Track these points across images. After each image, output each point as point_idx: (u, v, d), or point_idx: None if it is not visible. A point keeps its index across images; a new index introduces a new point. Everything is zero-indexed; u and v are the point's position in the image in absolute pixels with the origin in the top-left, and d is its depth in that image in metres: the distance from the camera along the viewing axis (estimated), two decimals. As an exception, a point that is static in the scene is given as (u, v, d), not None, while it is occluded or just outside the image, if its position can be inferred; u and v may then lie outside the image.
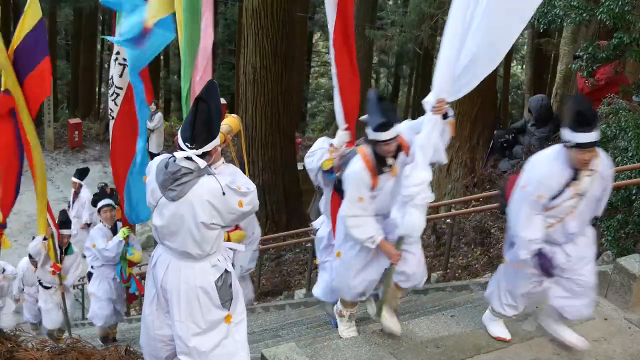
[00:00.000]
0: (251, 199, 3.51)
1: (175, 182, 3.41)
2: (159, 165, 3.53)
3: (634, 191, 5.54)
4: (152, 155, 16.56)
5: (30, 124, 5.59)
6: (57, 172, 15.74)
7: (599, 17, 6.15)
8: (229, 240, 4.51)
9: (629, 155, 5.62)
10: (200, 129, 3.37)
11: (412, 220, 4.01)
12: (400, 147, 4.14)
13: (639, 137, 5.56)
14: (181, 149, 3.40)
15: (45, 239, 6.79)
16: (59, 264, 6.99)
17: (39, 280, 7.63)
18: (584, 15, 6.31)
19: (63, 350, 4.36)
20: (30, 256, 8.33)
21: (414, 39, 16.33)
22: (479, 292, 6.43)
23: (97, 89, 24.54)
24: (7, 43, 5.50)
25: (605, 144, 5.84)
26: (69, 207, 11.22)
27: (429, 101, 3.96)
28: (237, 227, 4.71)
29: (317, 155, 4.61)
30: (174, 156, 3.48)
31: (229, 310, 3.62)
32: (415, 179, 3.95)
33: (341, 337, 4.61)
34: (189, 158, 3.39)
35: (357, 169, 4.12)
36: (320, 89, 30.72)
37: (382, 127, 3.97)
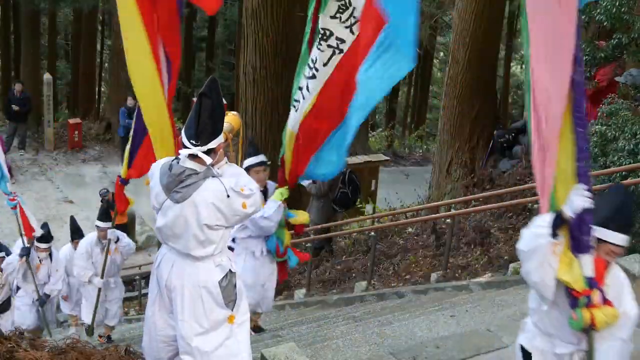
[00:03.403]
0: (254, 200, 3.53)
1: (180, 184, 3.41)
2: (163, 168, 3.53)
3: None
4: (152, 155, 16.33)
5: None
6: (57, 172, 15.74)
7: (597, 18, 6.15)
8: None
9: (625, 155, 5.63)
10: (205, 125, 3.36)
11: None
12: None
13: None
14: (185, 147, 3.39)
15: None
16: None
17: None
18: (582, 17, 6.32)
19: (63, 350, 4.36)
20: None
21: (414, 38, 16.30)
22: (479, 292, 6.45)
23: (97, 89, 24.50)
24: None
25: (606, 146, 5.85)
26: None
27: None
28: None
29: None
30: (177, 158, 3.48)
31: (232, 310, 3.61)
32: None
33: (341, 337, 4.61)
34: (193, 157, 3.39)
35: None
36: (320, 89, 30.63)
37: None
